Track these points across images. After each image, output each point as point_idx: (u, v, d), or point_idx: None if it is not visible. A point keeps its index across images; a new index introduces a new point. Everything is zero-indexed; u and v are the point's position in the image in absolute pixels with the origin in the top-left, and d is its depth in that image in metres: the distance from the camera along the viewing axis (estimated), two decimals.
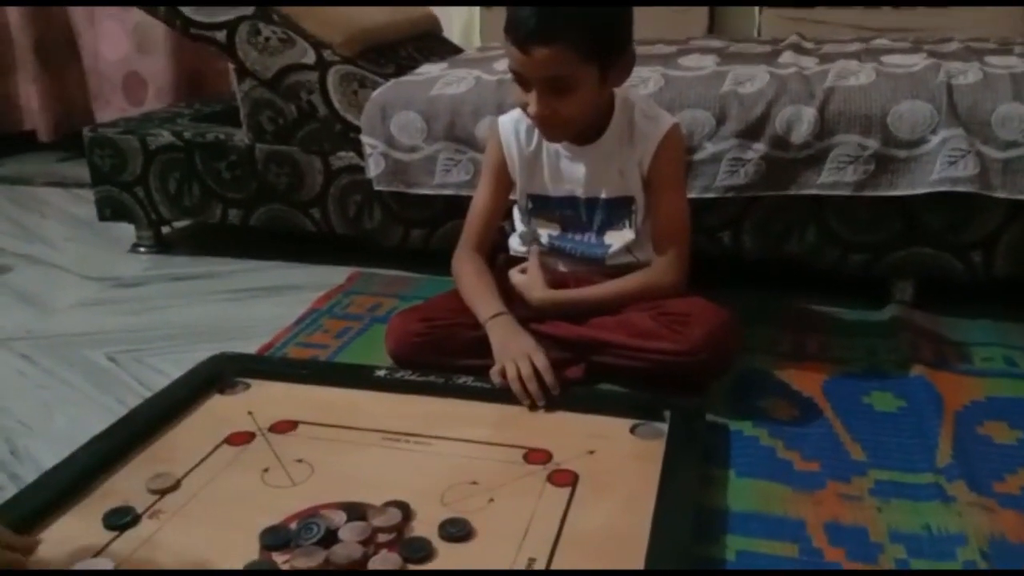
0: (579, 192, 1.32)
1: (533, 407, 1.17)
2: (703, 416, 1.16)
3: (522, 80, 1.20)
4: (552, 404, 1.17)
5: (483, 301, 1.28)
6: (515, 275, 1.35)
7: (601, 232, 1.34)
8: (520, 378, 1.17)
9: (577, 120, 1.23)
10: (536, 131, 1.31)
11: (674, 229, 1.30)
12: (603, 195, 1.31)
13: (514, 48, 1.16)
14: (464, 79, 1.67)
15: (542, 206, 1.36)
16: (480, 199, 1.39)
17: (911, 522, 0.98)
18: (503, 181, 1.37)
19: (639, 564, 0.85)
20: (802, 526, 0.97)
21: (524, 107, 1.22)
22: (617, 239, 1.33)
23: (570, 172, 1.32)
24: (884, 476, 1.06)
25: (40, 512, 0.96)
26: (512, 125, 1.35)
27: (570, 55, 1.15)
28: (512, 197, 1.40)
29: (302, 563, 0.86)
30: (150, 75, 2.71)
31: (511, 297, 1.32)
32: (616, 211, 1.32)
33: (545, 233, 1.38)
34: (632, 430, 1.13)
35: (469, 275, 1.33)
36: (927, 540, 0.95)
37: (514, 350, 1.20)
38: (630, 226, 1.32)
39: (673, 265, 1.29)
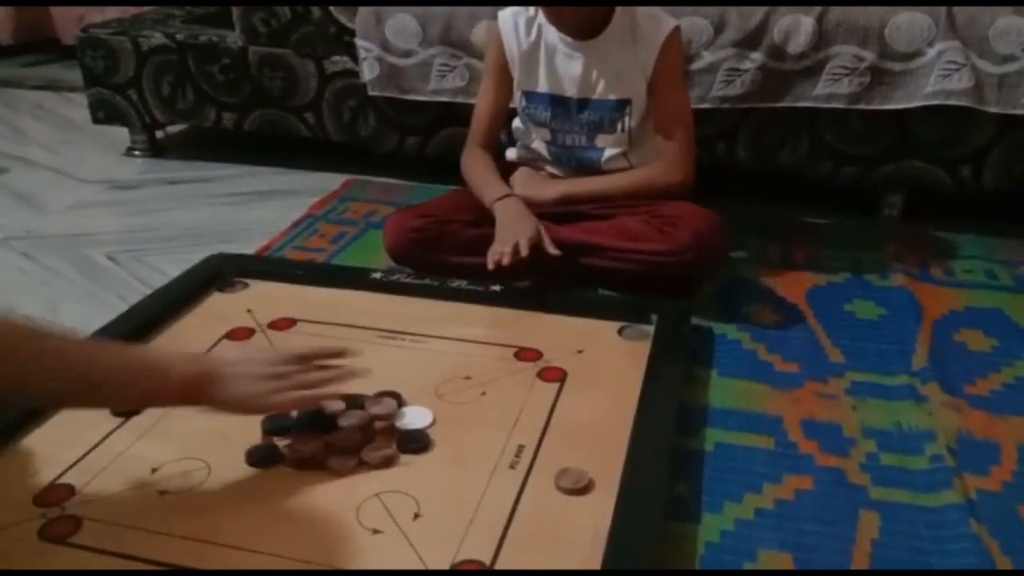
0: (572, 92, 1.32)
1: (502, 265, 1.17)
2: (689, 319, 1.19)
3: None
4: (544, 303, 1.22)
5: (489, 186, 1.32)
6: (518, 183, 1.37)
7: (592, 135, 1.34)
8: (513, 251, 1.18)
9: None
10: (535, 25, 1.32)
11: (678, 126, 1.30)
12: (595, 95, 1.31)
13: None
14: None
15: (535, 103, 1.36)
16: (484, 99, 1.40)
17: (883, 419, 1.02)
18: (506, 79, 1.38)
19: (622, 452, 0.90)
20: (779, 421, 1.02)
21: None
22: (609, 142, 1.34)
23: (565, 69, 1.31)
24: (860, 377, 1.11)
25: None
26: (512, 19, 1.35)
27: None
28: (512, 105, 1.40)
29: (302, 447, 0.91)
30: None
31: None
32: (608, 113, 1.31)
33: (539, 139, 1.39)
34: (620, 332, 1.17)
35: (476, 165, 1.37)
36: (897, 436, 0.99)
37: (516, 229, 1.22)
38: (623, 130, 1.32)
39: (680, 162, 1.31)
